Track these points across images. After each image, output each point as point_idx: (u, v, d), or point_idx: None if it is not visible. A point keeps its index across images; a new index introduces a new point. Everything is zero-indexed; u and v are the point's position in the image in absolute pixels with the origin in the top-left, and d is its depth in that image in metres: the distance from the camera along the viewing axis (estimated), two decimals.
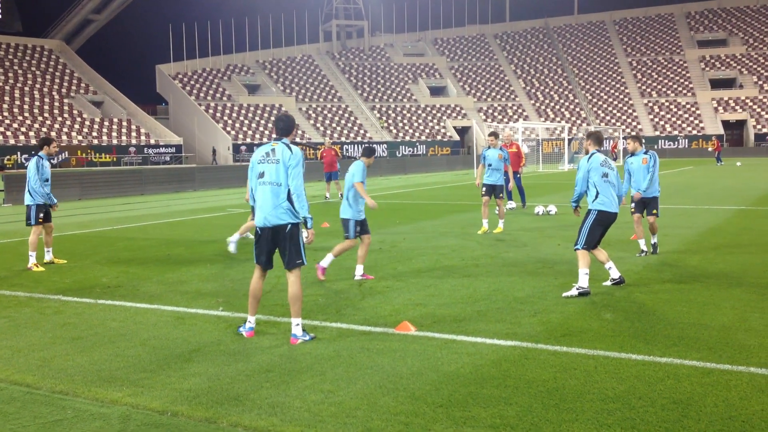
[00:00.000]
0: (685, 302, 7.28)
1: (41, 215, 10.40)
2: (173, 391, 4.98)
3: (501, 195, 13.77)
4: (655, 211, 10.54)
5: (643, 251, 10.43)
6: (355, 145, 63.08)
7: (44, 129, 54.48)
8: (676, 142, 71.31)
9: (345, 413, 4.50)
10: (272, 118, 59.10)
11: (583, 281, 7.85)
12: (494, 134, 14.15)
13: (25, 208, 10.54)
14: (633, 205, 10.66)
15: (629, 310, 7.06)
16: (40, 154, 10.49)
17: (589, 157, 8.26)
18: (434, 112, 74.50)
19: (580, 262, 7.93)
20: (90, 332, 6.64)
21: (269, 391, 4.94)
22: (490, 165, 13.75)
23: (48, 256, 10.68)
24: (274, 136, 6.48)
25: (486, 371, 5.24)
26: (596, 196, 8.15)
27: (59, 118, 57.19)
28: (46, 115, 57.09)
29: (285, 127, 6.39)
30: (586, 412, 4.43)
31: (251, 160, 6.42)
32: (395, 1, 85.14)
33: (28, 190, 10.34)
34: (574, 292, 7.82)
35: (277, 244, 6.27)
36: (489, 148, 13.94)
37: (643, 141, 11.08)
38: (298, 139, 60.64)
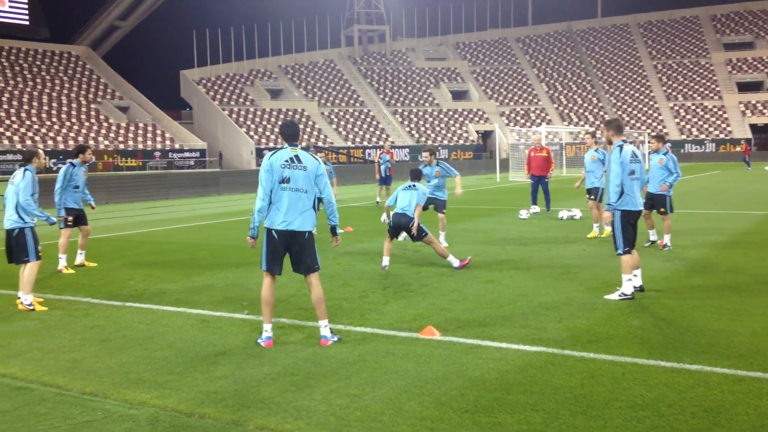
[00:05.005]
0: (715, 309, 7.17)
1: (71, 218, 10.49)
2: (200, 393, 5.02)
3: (597, 197, 13.03)
4: (662, 209, 11.43)
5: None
6: (377, 150, 63.10)
7: (72, 134, 55.26)
8: (703, 146, 70.35)
9: (370, 418, 4.50)
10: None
11: (626, 287, 7.69)
12: (591, 134, 13.21)
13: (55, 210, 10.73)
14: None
15: (657, 316, 6.97)
16: (73, 161, 10.60)
17: (620, 151, 7.68)
18: (456, 116, 74.29)
19: (622, 268, 7.73)
20: (118, 334, 6.73)
21: (295, 394, 4.95)
22: (586, 168, 13.20)
23: (79, 258, 10.83)
24: (281, 141, 6.46)
25: (512, 377, 5.21)
26: (621, 195, 7.70)
27: (86, 123, 57.95)
28: (73, 120, 57.88)
29: (295, 133, 6.36)
30: (615, 420, 4.39)
31: (269, 163, 6.19)
32: (417, 6, 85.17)
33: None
34: (615, 296, 7.71)
35: (291, 249, 6.25)
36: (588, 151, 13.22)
37: (665, 141, 11.80)
38: (320, 144, 60.85)
